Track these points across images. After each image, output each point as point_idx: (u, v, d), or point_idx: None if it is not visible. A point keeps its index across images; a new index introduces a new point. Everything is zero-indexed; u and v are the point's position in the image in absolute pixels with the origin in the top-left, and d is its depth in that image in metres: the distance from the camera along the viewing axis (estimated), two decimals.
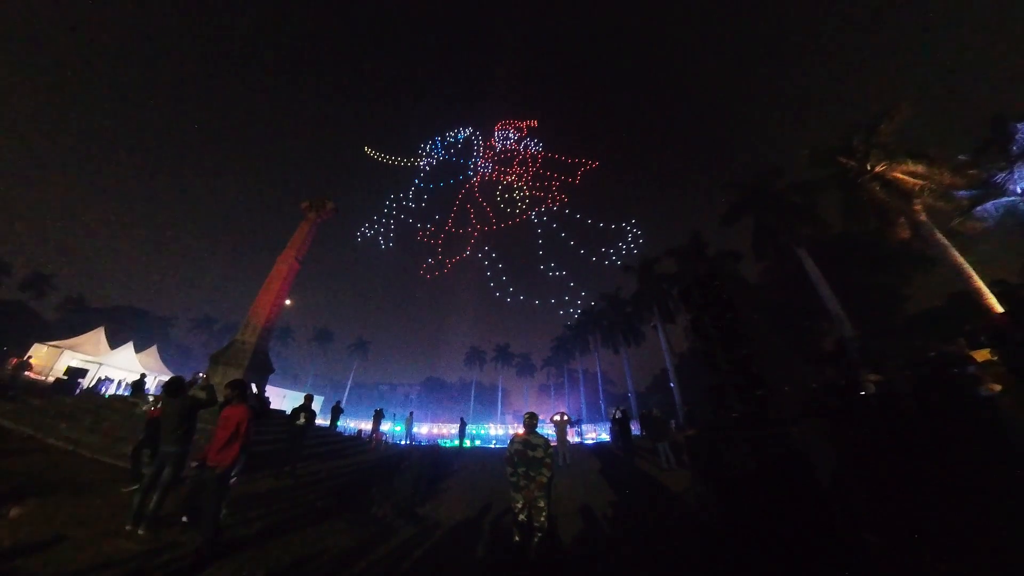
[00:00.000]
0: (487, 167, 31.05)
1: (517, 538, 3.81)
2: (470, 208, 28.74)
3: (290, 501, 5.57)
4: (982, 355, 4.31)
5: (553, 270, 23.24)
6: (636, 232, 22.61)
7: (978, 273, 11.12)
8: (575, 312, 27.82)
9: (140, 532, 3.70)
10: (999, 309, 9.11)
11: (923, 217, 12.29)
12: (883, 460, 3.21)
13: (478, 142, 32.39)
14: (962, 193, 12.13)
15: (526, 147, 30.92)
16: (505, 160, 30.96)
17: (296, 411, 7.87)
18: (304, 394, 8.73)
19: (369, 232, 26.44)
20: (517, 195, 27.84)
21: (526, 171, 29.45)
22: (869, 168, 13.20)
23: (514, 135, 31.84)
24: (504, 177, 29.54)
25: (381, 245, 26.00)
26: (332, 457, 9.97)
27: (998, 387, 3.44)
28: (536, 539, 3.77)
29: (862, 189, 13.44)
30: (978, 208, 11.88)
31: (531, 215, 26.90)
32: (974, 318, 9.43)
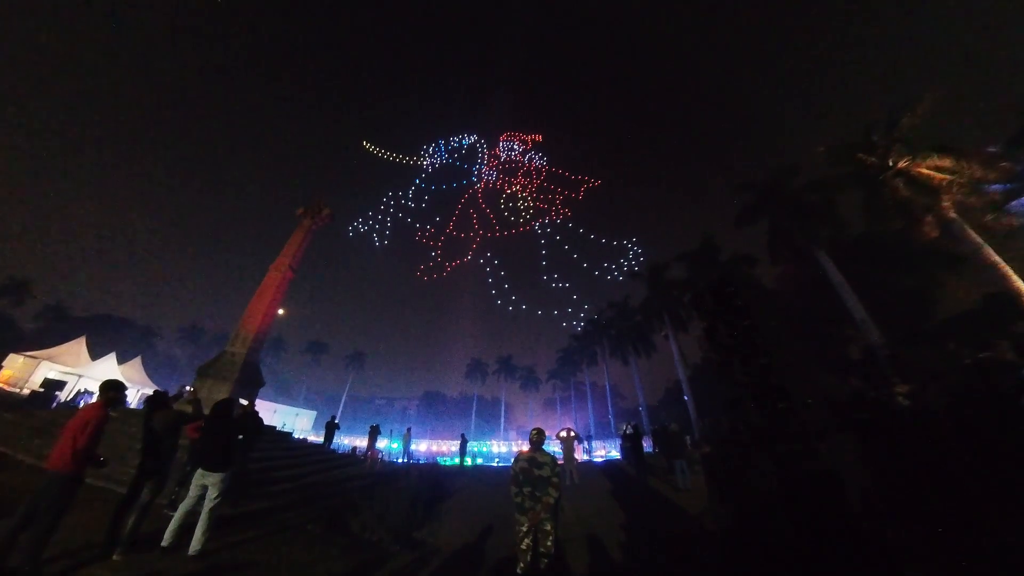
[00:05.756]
0: (491, 175, 31.67)
1: (521, 565, 3.71)
2: (472, 213, 29.12)
3: (278, 524, 5.48)
4: None
5: (557, 281, 23.56)
6: (637, 250, 23.52)
7: (1016, 272, 10.93)
8: (578, 325, 28.05)
9: (115, 557, 3.64)
10: None
11: (952, 214, 12.16)
12: (921, 479, 3.10)
13: (482, 150, 33.06)
14: (995, 187, 12.01)
15: (530, 160, 31.69)
16: (509, 170, 31.67)
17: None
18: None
19: (363, 228, 26.70)
20: (521, 205, 28.39)
21: (530, 183, 30.14)
22: (891, 164, 13.15)
23: (518, 147, 32.58)
24: (508, 187, 30.16)
25: (376, 242, 26.22)
26: (324, 476, 9.86)
27: None
28: (542, 565, 3.67)
29: (884, 186, 13.37)
30: (1013, 203, 11.76)
31: (535, 226, 27.37)
32: (1016, 320, 9.22)
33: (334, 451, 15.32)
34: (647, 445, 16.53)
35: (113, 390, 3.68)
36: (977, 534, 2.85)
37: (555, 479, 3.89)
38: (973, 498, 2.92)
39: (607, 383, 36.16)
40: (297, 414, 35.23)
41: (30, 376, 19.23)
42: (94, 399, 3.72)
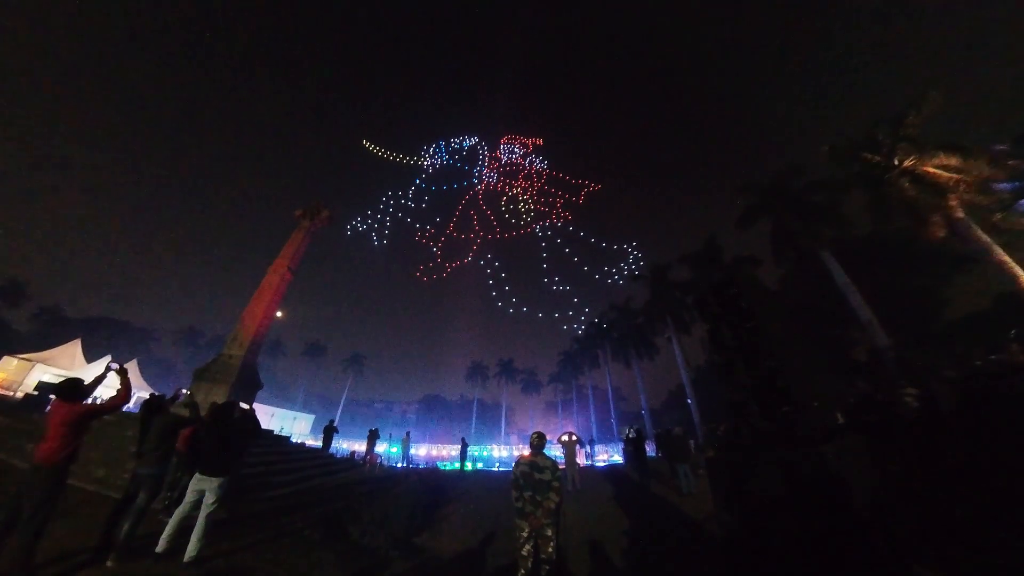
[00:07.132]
0: (492, 177, 31.97)
1: (522, 572, 3.68)
2: (473, 215, 29.33)
3: (274, 529, 5.46)
4: None
5: (558, 284, 23.76)
6: (637, 254, 23.85)
7: None
8: (579, 328, 28.26)
9: (109, 564, 3.63)
10: None
11: (960, 213, 12.11)
12: (933, 483, 3.08)
13: (483, 152, 33.36)
14: (1003, 186, 11.96)
15: (531, 163, 32.05)
16: (510, 173, 32.03)
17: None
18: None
19: (362, 227, 26.84)
20: (522, 207, 28.69)
21: (531, 185, 30.49)
22: (897, 163, 13.11)
23: (519, 150, 32.91)
24: (508, 189, 30.49)
25: (375, 240, 26.35)
26: (323, 481, 9.84)
27: None
28: (543, 572, 3.64)
29: (890, 186, 13.32)
30: (1022, 201, 11.72)
31: (535, 228, 27.63)
32: None
33: (332, 455, 15.30)
34: (650, 449, 16.48)
35: (71, 389, 3.48)
36: (986, 538, 2.82)
37: (556, 483, 3.87)
38: (982, 502, 2.90)
39: (609, 386, 36.06)
40: (295, 417, 35.15)
41: (24, 379, 19.23)
42: (53, 399, 3.60)
